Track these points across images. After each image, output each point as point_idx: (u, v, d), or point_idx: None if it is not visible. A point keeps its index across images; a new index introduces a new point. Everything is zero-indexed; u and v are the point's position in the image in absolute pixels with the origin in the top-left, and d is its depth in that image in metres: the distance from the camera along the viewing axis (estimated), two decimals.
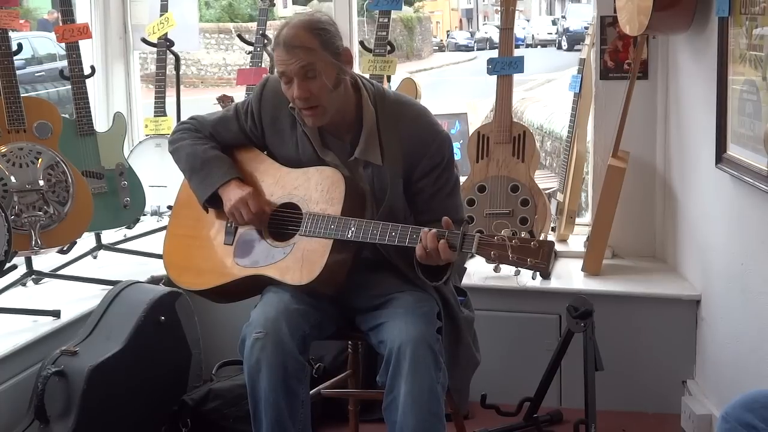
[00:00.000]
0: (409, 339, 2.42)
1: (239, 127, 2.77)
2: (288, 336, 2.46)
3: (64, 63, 3.86)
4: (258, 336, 2.46)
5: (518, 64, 3.73)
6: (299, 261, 2.55)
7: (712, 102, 2.99)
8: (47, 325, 3.24)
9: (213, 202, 2.72)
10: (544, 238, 3.63)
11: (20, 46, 3.47)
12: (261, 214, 2.64)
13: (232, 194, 2.66)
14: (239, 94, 4.13)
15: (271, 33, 4.29)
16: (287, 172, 2.69)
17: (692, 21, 3.20)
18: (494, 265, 2.33)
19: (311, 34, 2.49)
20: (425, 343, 2.43)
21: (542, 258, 2.27)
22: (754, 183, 2.67)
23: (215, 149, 2.76)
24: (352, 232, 2.48)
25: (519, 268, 2.36)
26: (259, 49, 4.22)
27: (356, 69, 4.11)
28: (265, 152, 2.78)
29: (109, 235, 4.02)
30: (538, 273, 3.51)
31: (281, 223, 2.65)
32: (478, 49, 29.34)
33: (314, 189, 2.60)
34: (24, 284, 3.55)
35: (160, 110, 4.32)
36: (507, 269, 3.50)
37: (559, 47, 28.22)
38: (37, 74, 12.06)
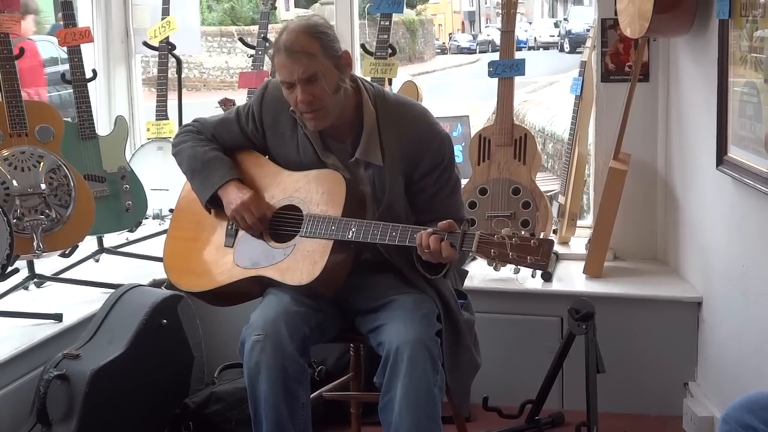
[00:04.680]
0: (407, 341, 2.42)
1: (240, 129, 2.78)
2: (287, 338, 2.47)
3: (67, 67, 3.87)
4: (257, 338, 2.46)
5: (519, 67, 3.73)
6: (299, 262, 2.56)
7: (713, 104, 3.00)
8: (49, 328, 3.24)
9: (215, 203, 2.74)
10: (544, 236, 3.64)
11: (22, 50, 3.47)
12: (263, 218, 2.65)
13: (233, 197, 2.67)
14: (241, 98, 4.14)
15: (272, 36, 4.30)
16: (288, 175, 2.70)
17: (693, 23, 3.20)
18: (493, 264, 2.33)
19: (311, 38, 2.50)
20: (423, 345, 2.43)
21: (542, 255, 2.27)
22: (755, 185, 2.67)
23: (216, 150, 2.78)
24: (352, 233, 2.49)
25: (519, 267, 2.36)
26: (260, 52, 4.23)
27: (358, 72, 4.13)
28: (267, 155, 2.80)
29: (111, 239, 4.03)
30: (538, 271, 3.52)
31: (282, 224, 2.66)
32: (480, 52, 29.36)
33: (315, 191, 2.61)
34: (26, 288, 3.55)
35: (161, 114, 4.32)
36: (506, 270, 3.55)
37: (562, 50, 28.26)
38: None
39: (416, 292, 2.59)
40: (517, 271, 3.58)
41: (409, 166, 2.60)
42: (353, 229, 2.49)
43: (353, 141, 2.63)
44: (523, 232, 2.30)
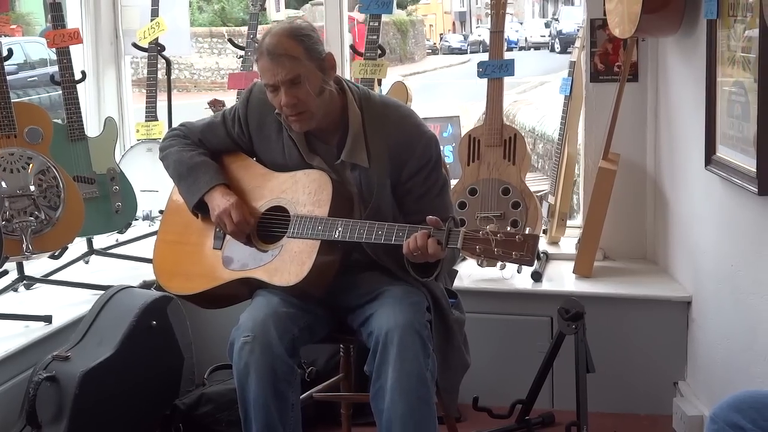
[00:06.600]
0: (396, 325, 2.42)
1: (226, 132, 2.79)
2: (276, 339, 2.47)
3: (56, 68, 3.86)
4: (246, 339, 2.46)
5: (508, 67, 3.74)
6: (287, 262, 2.56)
7: (701, 104, 3.01)
8: (39, 330, 3.23)
9: (202, 207, 2.73)
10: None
11: (10, 52, 3.46)
12: (244, 223, 2.64)
13: (217, 202, 2.67)
14: (231, 99, 4.13)
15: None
16: (275, 177, 2.70)
17: (681, 24, 3.21)
18: (479, 260, 2.34)
19: (294, 41, 2.50)
20: (413, 329, 2.43)
21: (527, 251, 2.27)
22: (743, 184, 2.68)
23: (202, 155, 2.78)
24: (339, 232, 2.49)
25: (504, 263, 2.36)
26: (250, 53, 4.23)
27: (347, 73, 4.13)
28: (254, 158, 2.80)
29: (100, 240, 4.02)
30: (525, 267, 3.52)
31: (270, 226, 2.66)
32: (471, 52, 29.40)
33: (302, 192, 2.61)
34: (15, 289, 3.53)
35: (151, 115, 4.32)
36: (496, 270, 3.55)
37: (552, 50, 28.28)
38: (29, 79, 12.04)
39: (405, 284, 2.59)
40: (503, 267, 3.58)
41: (396, 167, 2.60)
42: (340, 229, 2.50)
43: (339, 143, 2.63)
44: (508, 228, 2.31)
